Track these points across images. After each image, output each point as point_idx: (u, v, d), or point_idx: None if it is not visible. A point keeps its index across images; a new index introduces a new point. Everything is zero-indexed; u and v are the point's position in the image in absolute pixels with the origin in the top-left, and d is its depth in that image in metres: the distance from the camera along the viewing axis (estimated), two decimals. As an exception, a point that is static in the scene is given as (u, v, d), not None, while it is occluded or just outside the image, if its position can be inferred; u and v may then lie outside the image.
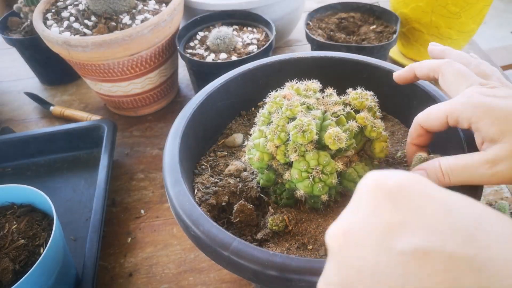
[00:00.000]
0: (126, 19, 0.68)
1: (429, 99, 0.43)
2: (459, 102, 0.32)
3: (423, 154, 0.35)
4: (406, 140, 0.47)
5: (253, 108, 0.53)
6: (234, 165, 0.44)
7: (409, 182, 0.18)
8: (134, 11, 0.70)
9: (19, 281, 0.39)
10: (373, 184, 0.19)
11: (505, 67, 1.05)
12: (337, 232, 0.19)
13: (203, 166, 0.46)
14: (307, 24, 0.78)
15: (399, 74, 0.40)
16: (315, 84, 0.40)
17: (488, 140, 0.30)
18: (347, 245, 0.18)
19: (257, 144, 0.38)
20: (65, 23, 0.69)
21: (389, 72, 0.47)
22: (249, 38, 0.73)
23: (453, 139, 0.39)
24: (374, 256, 0.17)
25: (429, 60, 0.37)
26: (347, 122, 0.36)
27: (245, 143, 0.43)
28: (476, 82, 0.33)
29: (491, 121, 0.30)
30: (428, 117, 0.34)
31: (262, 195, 0.41)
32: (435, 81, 0.37)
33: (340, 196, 0.39)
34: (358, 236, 0.18)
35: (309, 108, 0.37)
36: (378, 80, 0.48)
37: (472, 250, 0.15)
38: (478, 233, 0.16)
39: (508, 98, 0.30)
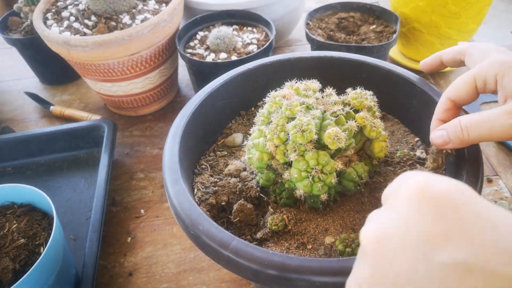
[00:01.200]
0: (126, 19, 0.68)
1: (428, 99, 0.43)
2: (486, 63, 0.33)
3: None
4: (405, 140, 0.47)
5: (252, 108, 0.53)
6: (233, 164, 0.45)
7: (456, 191, 0.17)
8: (134, 10, 0.70)
9: (19, 281, 0.39)
10: (417, 188, 0.18)
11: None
12: (373, 236, 0.19)
13: (203, 166, 0.46)
14: (307, 24, 0.78)
15: (425, 63, 0.42)
16: (314, 84, 0.40)
17: (510, 96, 0.31)
18: (384, 250, 0.18)
19: (256, 144, 0.38)
20: (65, 23, 0.69)
21: (389, 72, 0.47)
22: (249, 38, 0.73)
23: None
24: (412, 264, 0.17)
25: (453, 47, 0.39)
26: (347, 122, 0.36)
27: (245, 142, 0.43)
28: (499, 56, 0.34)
29: None
30: (457, 87, 0.34)
31: (261, 195, 0.41)
32: (460, 65, 0.39)
33: (339, 196, 0.40)
34: (396, 242, 0.18)
35: (308, 108, 0.37)
36: (377, 80, 0.48)
37: None
38: None
39: None
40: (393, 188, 0.20)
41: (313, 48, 0.74)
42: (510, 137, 0.30)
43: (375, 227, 0.19)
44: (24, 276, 0.39)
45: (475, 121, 0.32)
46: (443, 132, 0.34)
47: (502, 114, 0.30)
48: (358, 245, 0.34)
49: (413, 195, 0.18)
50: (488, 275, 0.15)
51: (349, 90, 0.39)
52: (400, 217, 0.18)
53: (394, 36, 0.70)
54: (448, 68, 0.81)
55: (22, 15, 0.84)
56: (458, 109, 0.36)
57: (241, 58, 0.66)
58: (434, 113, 0.37)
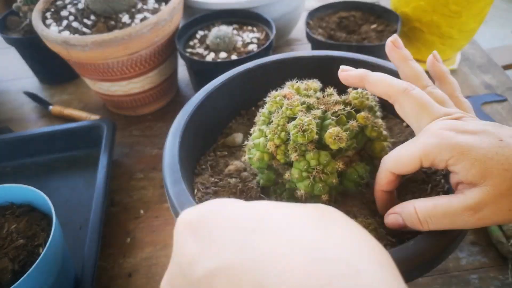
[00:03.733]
0: (125, 18, 0.67)
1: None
2: (432, 143, 0.29)
3: None
4: (401, 133, 0.47)
5: (253, 108, 0.53)
6: (234, 165, 0.44)
7: (205, 212, 0.19)
8: (133, 10, 0.69)
9: (18, 281, 0.38)
10: (178, 223, 0.20)
11: (505, 67, 1.05)
12: (163, 282, 0.20)
13: (203, 166, 0.45)
14: (308, 23, 0.78)
15: (346, 76, 0.36)
16: (315, 83, 0.40)
17: (467, 183, 0.28)
18: None
19: (257, 144, 0.37)
20: (64, 22, 0.68)
21: (390, 71, 0.47)
22: (249, 37, 0.73)
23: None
24: None
25: (385, 81, 0.34)
26: (348, 122, 0.36)
27: (245, 142, 0.43)
28: (440, 113, 0.31)
29: (470, 163, 0.27)
30: (399, 163, 0.32)
31: (262, 195, 0.41)
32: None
33: (340, 196, 0.39)
34: (175, 279, 0.18)
35: (309, 108, 0.37)
36: (378, 80, 0.47)
37: (245, 254, 0.16)
38: (254, 236, 0.17)
39: (480, 133, 0.28)
40: None
41: (314, 48, 0.74)
42: (472, 227, 0.28)
43: (165, 277, 0.20)
44: (23, 277, 0.39)
45: (434, 214, 0.29)
46: (398, 217, 0.32)
47: (465, 210, 0.27)
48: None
49: (178, 230, 0.20)
50: (228, 271, 0.16)
51: (350, 89, 0.39)
52: (173, 253, 0.19)
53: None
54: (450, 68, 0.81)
55: (21, 14, 0.84)
56: (401, 177, 0.34)
57: (241, 57, 0.66)
58: (377, 184, 0.35)
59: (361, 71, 0.36)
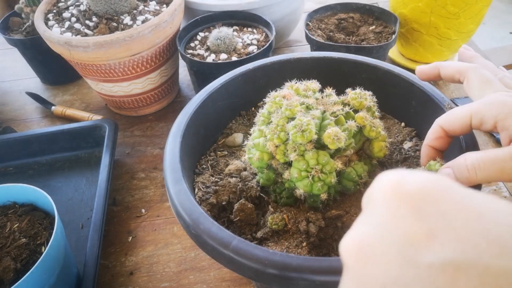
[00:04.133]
0: (127, 19, 0.68)
1: (427, 99, 0.44)
2: (485, 102, 0.32)
3: (439, 162, 0.34)
4: (400, 134, 0.47)
5: (253, 108, 0.53)
6: (234, 164, 0.45)
7: (431, 185, 0.16)
8: (135, 11, 0.70)
9: (20, 280, 0.39)
10: (390, 187, 0.17)
11: (504, 68, 1.06)
12: (352, 245, 0.17)
13: (204, 166, 0.46)
14: (307, 25, 0.78)
15: (422, 70, 0.40)
16: (314, 84, 0.40)
17: None
18: (365, 260, 0.16)
19: (257, 144, 0.38)
20: (67, 23, 0.69)
21: (388, 72, 0.48)
22: (249, 39, 0.74)
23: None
24: (398, 272, 0.15)
25: (456, 62, 0.37)
26: (346, 122, 0.36)
27: (245, 142, 0.43)
28: (501, 90, 0.33)
29: None
30: (451, 118, 0.34)
31: (262, 194, 0.42)
32: (456, 82, 0.38)
33: (339, 195, 0.40)
34: (377, 249, 0.16)
35: (308, 108, 0.37)
36: (377, 80, 0.48)
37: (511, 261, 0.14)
38: None
39: None
40: (369, 191, 0.19)
41: (313, 49, 0.75)
42: None
43: (352, 237, 0.17)
44: (26, 276, 0.39)
45: (483, 161, 0.30)
46: (450, 171, 0.32)
47: None
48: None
49: (387, 195, 0.17)
50: (482, 272, 0.14)
51: (348, 90, 0.40)
52: (377, 221, 0.17)
53: (393, 36, 0.71)
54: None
55: (23, 15, 0.84)
56: (450, 138, 0.35)
57: (241, 58, 0.66)
58: (426, 138, 0.36)
59: (434, 65, 0.39)
